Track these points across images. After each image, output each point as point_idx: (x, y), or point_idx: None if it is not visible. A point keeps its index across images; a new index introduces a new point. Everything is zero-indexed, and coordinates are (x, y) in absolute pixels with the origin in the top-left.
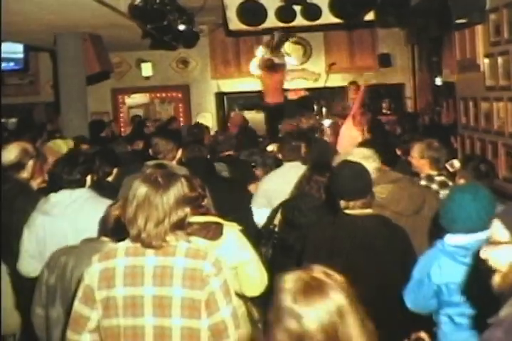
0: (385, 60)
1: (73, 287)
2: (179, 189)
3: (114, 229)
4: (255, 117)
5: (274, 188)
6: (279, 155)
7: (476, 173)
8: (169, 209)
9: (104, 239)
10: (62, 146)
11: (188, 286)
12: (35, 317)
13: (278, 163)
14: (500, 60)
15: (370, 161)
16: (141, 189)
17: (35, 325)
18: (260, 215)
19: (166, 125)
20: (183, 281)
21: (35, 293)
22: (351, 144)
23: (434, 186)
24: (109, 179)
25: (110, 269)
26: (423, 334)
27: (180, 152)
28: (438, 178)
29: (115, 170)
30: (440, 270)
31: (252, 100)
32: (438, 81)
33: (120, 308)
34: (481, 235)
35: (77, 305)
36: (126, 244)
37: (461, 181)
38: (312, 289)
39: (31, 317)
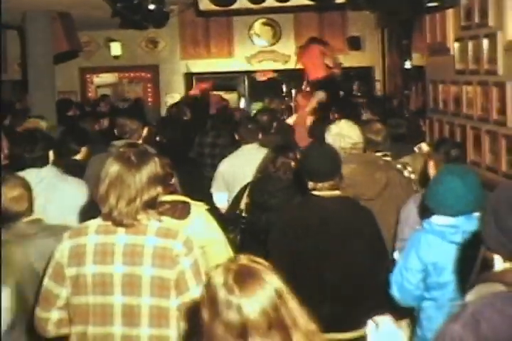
0: (354, 43)
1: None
2: (152, 168)
3: None
4: (226, 97)
5: (233, 170)
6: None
7: (447, 157)
8: (141, 187)
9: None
10: (40, 124)
11: (158, 265)
12: None
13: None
14: (470, 44)
15: (345, 138)
16: (113, 167)
17: None
18: (220, 199)
19: (132, 105)
20: (153, 260)
21: None
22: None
23: None
24: (78, 157)
25: (81, 246)
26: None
27: (145, 131)
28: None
29: (83, 149)
30: (428, 250)
31: (221, 81)
32: (407, 65)
33: (89, 286)
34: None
35: (47, 283)
36: (98, 221)
37: (431, 164)
38: (246, 277)
39: None
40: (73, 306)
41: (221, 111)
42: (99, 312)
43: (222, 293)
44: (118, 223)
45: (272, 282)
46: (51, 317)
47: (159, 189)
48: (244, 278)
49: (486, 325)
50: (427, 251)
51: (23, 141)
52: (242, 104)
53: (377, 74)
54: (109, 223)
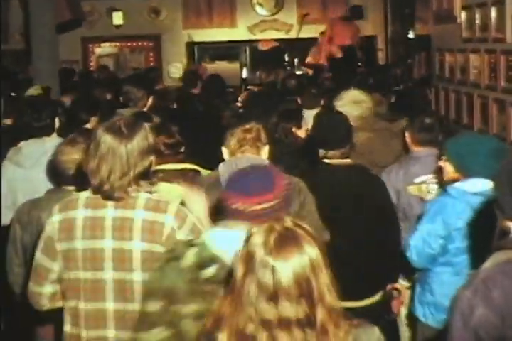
0: (357, 12)
1: None
2: (143, 138)
3: (75, 175)
4: (227, 67)
5: None
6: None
7: (421, 125)
8: (134, 160)
9: (68, 188)
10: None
11: (148, 240)
12: (14, 276)
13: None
14: (477, 11)
15: (359, 105)
16: (104, 138)
17: (15, 283)
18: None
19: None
20: (142, 234)
21: (9, 252)
22: None
23: None
24: (88, 126)
25: (70, 220)
26: (399, 286)
27: (151, 99)
28: None
29: (93, 118)
30: (456, 216)
31: (223, 50)
32: (411, 34)
33: (80, 261)
34: None
35: (39, 256)
36: (86, 194)
37: (407, 135)
38: (287, 240)
39: (9, 277)
40: (65, 281)
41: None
42: (90, 287)
43: (259, 252)
44: (108, 196)
45: (309, 251)
46: (44, 292)
47: (152, 158)
48: (285, 241)
49: (497, 292)
50: (454, 218)
51: (29, 108)
52: (244, 73)
53: (380, 44)
54: (99, 196)
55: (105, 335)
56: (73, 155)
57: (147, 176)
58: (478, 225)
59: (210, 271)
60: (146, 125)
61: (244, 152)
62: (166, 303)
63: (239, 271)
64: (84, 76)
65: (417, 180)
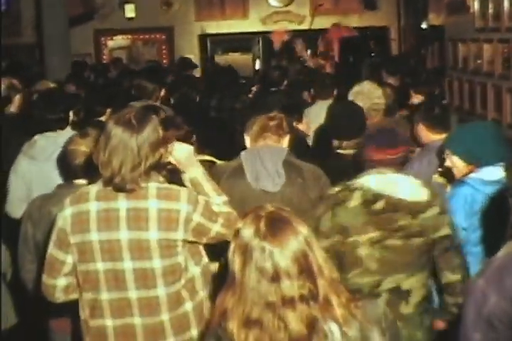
0: (370, 3)
1: None
2: (154, 130)
3: (85, 168)
4: (240, 59)
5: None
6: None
7: (430, 114)
8: (145, 152)
9: (79, 182)
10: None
11: (164, 228)
12: (26, 273)
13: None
14: (490, 1)
15: (373, 96)
16: (114, 131)
17: (27, 279)
18: None
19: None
20: (158, 224)
21: (20, 249)
22: None
23: None
24: (102, 118)
25: (83, 213)
26: None
27: (163, 92)
28: None
29: (109, 111)
30: (476, 207)
31: (236, 42)
32: (424, 24)
33: (97, 253)
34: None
35: (52, 249)
36: (97, 187)
37: (421, 125)
38: (277, 223)
39: (21, 274)
40: (81, 273)
41: None
42: (111, 278)
43: (254, 241)
44: (119, 189)
45: (301, 229)
46: (58, 284)
47: (162, 150)
48: (275, 224)
49: (510, 280)
50: (475, 208)
51: (42, 102)
52: (258, 65)
53: (393, 34)
54: (109, 188)
55: (132, 322)
56: (82, 147)
57: (158, 168)
58: (493, 214)
59: (378, 204)
60: (156, 117)
61: (266, 138)
62: (342, 237)
63: (237, 264)
64: (96, 69)
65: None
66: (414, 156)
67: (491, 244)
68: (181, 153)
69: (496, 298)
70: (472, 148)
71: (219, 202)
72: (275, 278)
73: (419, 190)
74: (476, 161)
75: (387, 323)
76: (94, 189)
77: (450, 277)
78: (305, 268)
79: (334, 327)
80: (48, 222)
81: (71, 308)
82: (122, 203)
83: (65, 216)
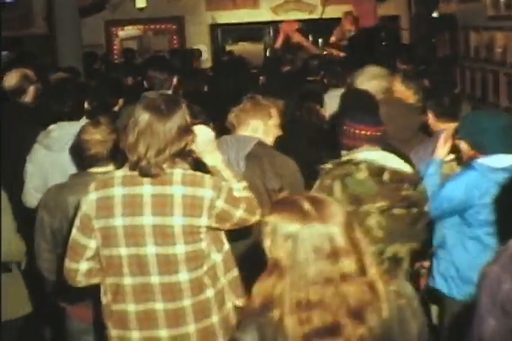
0: None
1: None
2: (182, 117)
3: (103, 155)
4: (251, 49)
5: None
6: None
7: (441, 103)
8: (171, 138)
9: (92, 170)
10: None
11: (189, 214)
12: (43, 262)
13: None
14: None
15: (378, 80)
16: (143, 115)
17: (44, 268)
18: None
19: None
20: (184, 210)
21: (36, 238)
22: None
23: None
24: (115, 109)
25: (108, 198)
26: (426, 264)
27: (175, 80)
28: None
29: (120, 101)
30: (481, 192)
31: (247, 32)
32: (435, 13)
33: (121, 238)
34: None
35: (75, 234)
36: (123, 172)
37: (430, 113)
38: (320, 205)
39: (38, 262)
40: (105, 257)
41: None
42: (134, 262)
43: (303, 222)
44: (144, 173)
45: (340, 209)
46: (80, 268)
47: (189, 138)
48: (318, 205)
49: None
50: (478, 193)
51: (56, 91)
52: (269, 54)
53: (403, 23)
54: (134, 173)
55: (154, 308)
56: (96, 136)
57: (183, 155)
58: (505, 201)
59: (385, 176)
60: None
61: (245, 125)
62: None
63: (283, 250)
64: (105, 60)
65: (447, 158)
66: (420, 146)
67: (503, 231)
68: (203, 136)
69: (510, 284)
70: (476, 137)
71: (239, 187)
72: (332, 255)
73: (405, 165)
74: (479, 149)
75: (416, 305)
76: (120, 174)
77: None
78: (356, 243)
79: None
80: (63, 211)
81: (90, 294)
82: (147, 188)
83: (90, 200)
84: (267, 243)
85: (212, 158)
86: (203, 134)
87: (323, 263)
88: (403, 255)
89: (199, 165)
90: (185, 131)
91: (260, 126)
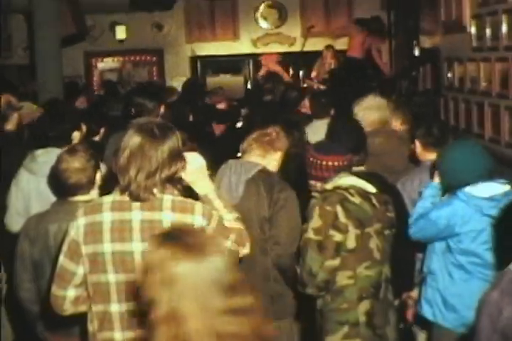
0: (362, 26)
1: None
2: (174, 142)
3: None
4: (231, 81)
5: None
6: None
7: (429, 133)
8: (163, 161)
9: (73, 199)
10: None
11: None
12: (24, 292)
13: None
14: (488, 20)
15: (376, 110)
16: (135, 138)
17: (25, 298)
18: None
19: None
20: None
21: (17, 268)
22: None
23: None
24: (97, 138)
25: (96, 223)
26: (414, 294)
27: (162, 109)
28: None
29: (102, 130)
30: (464, 220)
31: (227, 64)
32: (416, 51)
33: (109, 264)
34: (505, 187)
35: (63, 260)
36: (112, 197)
37: (417, 144)
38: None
39: (18, 292)
40: (92, 284)
41: None
42: (122, 289)
43: None
44: (135, 197)
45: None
46: (68, 295)
47: (179, 165)
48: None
49: None
50: (460, 223)
51: (48, 118)
52: (249, 87)
53: (384, 57)
54: (124, 198)
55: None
56: (73, 164)
57: (173, 182)
58: (502, 227)
59: (373, 199)
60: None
61: (250, 152)
62: (359, 230)
63: None
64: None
65: None
66: (407, 176)
67: (500, 256)
68: (195, 164)
69: (510, 309)
70: (446, 169)
71: (230, 218)
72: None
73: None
74: (451, 182)
75: None
76: (109, 199)
77: None
78: None
79: None
80: (44, 240)
81: (74, 323)
82: (136, 214)
83: (78, 226)
84: None
85: (204, 186)
86: (195, 162)
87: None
88: (389, 275)
89: (189, 193)
90: (177, 156)
91: (266, 155)
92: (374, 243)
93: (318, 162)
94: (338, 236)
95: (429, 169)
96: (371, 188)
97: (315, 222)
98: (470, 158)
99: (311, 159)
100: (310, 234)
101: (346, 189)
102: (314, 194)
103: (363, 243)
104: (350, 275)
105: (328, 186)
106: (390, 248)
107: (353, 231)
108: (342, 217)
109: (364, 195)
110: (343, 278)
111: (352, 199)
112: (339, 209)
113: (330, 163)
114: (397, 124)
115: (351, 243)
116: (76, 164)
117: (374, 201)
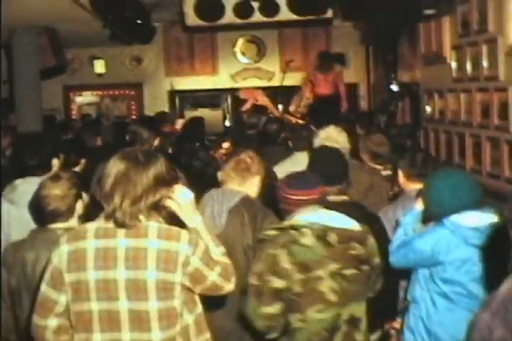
0: (339, 60)
1: (37, 282)
2: (159, 168)
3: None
4: (210, 115)
5: None
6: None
7: (413, 162)
8: (148, 187)
9: (52, 226)
10: None
11: (162, 269)
12: (1, 320)
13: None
14: (468, 51)
15: (335, 142)
16: (119, 164)
17: (2, 327)
18: None
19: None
20: (157, 264)
21: None
22: None
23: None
24: (77, 169)
25: (80, 251)
26: (397, 324)
27: (157, 141)
28: (384, 173)
29: (83, 161)
30: (448, 249)
31: (206, 98)
32: (394, 86)
33: (92, 292)
34: (493, 217)
35: (44, 288)
36: (96, 224)
37: (400, 174)
38: None
39: None
40: (75, 313)
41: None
42: (105, 318)
43: None
44: (120, 224)
45: None
46: (49, 325)
47: (164, 192)
48: None
49: None
50: (445, 252)
51: (26, 146)
52: (227, 121)
53: (362, 91)
54: (109, 225)
55: None
56: (54, 191)
57: (158, 208)
58: (492, 248)
59: (332, 237)
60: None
61: (229, 181)
62: (304, 275)
63: None
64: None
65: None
66: (389, 205)
67: (488, 280)
68: (183, 197)
69: (502, 331)
70: (433, 198)
71: (218, 252)
72: None
73: (349, 220)
74: (437, 210)
75: None
76: (93, 226)
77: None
78: None
79: None
80: (21, 267)
81: None
82: (121, 241)
83: (61, 253)
84: None
85: (193, 220)
86: (183, 195)
87: None
88: (360, 315)
89: (174, 220)
90: (163, 182)
91: (246, 182)
92: (326, 285)
93: (286, 196)
94: (277, 282)
95: (414, 198)
96: (337, 223)
97: (257, 266)
98: (458, 187)
99: (280, 193)
100: (251, 279)
101: (299, 228)
102: (266, 232)
103: (310, 287)
104: (301, 319)
105: (285, 224)
106: (361, 286)
107: (297, 276)
108: (284, 262)
109: (319, 233)
110: (295, 321)
111: (302, 240)
112: (282, 253)
113: (299, 198)
114: (366, 159)
115: (297, 288)
116: (57, 191)
117: (332, 240)
